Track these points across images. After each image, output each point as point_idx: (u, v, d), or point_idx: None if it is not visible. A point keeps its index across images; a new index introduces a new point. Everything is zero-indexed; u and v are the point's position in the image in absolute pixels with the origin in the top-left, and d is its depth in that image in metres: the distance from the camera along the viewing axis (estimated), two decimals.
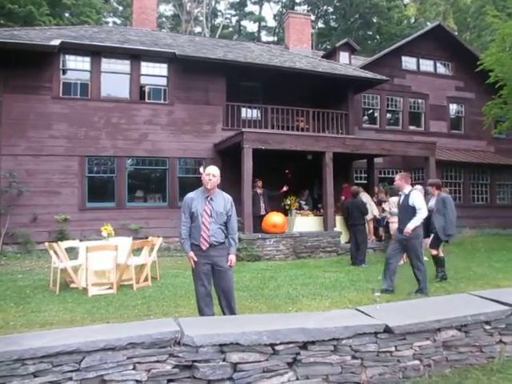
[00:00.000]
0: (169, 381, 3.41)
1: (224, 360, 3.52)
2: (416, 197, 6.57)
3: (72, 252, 9.40)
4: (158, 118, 13.14)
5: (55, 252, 7.05)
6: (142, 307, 5.85)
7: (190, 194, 4.81)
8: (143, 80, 13.19)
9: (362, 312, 4.30)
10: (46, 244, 7.36)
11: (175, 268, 9.23)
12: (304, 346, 3.70)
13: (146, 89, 13.37)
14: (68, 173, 12.07)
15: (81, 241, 8.19)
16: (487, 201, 18.16)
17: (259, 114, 14.46)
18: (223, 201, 4.79)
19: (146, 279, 7.43)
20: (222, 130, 13.66)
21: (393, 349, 3.99)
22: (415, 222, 6.45)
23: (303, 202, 13.50)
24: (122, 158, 12.69)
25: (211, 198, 4.70)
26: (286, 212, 11.90)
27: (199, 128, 13.50)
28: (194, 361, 3.45)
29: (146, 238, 12.31)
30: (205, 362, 3.47)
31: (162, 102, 13.40)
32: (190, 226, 4.65)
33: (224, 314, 4.68)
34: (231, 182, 13.26)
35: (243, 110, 14.52)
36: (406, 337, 4.02)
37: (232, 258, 4.68)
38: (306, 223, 11.58)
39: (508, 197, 18.79)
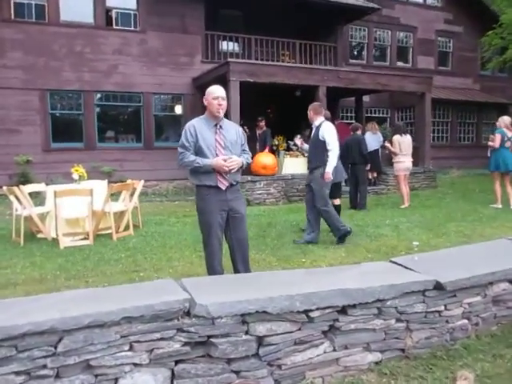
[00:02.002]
0: (177, 362, 2.59)
1: (247, 333, 2.71)
2: (327, 130, 5.65)
3: (38, 197, 8.29)
4: (128, 47, 11.64)
5: (17, 197, 5.96)
6: (126, 261, 4.94)
7: (193, 122, 3.78)
8: (109, 2, 11.53)
9: (400, 264, 3.56)
10: (5, 188, 6.23)
11: (157, 214, 8.28)
12: (343, 310, 2.93)
13: (114, 13, 11.74)
14: (27, 109, 10.63)
15: (47, 185, 7.07)
16: (473, 140, 17.72)
17: (241, 47, 13.09)
18: (233, 128, 3.82)
19: (126, 228, 6.49)
20: (201, 63, 12.31)
21: (442, 308, 3.32)
22: (331, 163, 5.57)
23: (291, 143, 12.54)
24: (90, 92, 11.27)
25: (221, 126, 3.71)
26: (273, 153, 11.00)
27: (176, 60, 12.10)
28: (209, 336, 2.62)
29: (122, 181, 11.30)
30: (223, 337, 2.65)
31: (133, 28, 11.84)
32: None
33: (237, 271, 3.83)
34: None
35: (223, 43, 13.12)
36: (457, 293, 3.32)
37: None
38: (295, 165, 10.70)
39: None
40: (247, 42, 12.87)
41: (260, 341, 2.68)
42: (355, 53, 17.15)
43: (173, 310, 2.50)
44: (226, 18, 13.65)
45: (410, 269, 3.39)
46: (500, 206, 8.31)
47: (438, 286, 3.13)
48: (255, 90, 10.00)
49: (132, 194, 6.66)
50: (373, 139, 10.61)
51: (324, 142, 5.59)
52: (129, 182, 7.05)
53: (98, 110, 11.51)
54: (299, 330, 2.77)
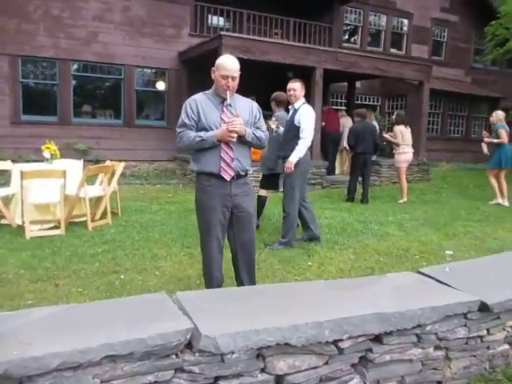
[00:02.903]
0: None
1: (264, 371, 2.13)
2: (304, 114, 4.83)
3: (3, 176, 7.44)
4: (110, 13, 10.64)
5: None
6: (104, 258, 4.23)
7: (194, 97, 3.09)
8: None
9: (431, 277, 3.02)
10: None
11: (137, 199, 7.53)
12: (377, 338, 2.38)
13: None
14: None
15: (14, 162, 6.23)
16: (463, 134, 17.39)
17: (231, 22, 12.21)
18: (246, 105, 3.14)
19: (103, 215, 5.75)
20: (188, 36, 11.42)
21: (484, 332, 2.88)
22: (298, 153, 4.76)
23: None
24: (66, 61, 10.28)
25: (229, 104, 3.03)
26: None
27: (161, 31, 11.17)
28: (217, 377, 2.02)
29: (99, 161, 10.46)
30: (235, 378, 2.07)
31: None
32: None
33: (240, 280, 3.20)
34: None
35: (213, 17, 12.23)
36: (501, 315, 2.83)
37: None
38: None
39: (481, 131, 18.15)
40: (239, 16, 12.00)
41: (279, 380, 2.12)
42: (348, 36, 16.45)
43: (171, 344, 1.88)
44: None
45: (446, 284, 2.87)
46: (500, 201, 8.00)
47: (483, 308, 2.66)
48: (244, 68, 9.18)
49: (111, 177, 5.91)
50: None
51: (299, 128, 4.80)
52: (107, 163, 6.27)
53: (74, 81, 10.52)
54: (326, 363, 2.25)
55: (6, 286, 3.51)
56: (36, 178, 4.88)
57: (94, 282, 3.63)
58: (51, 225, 5.30)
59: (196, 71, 10.99)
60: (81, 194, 5.20)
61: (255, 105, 3.21)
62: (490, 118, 8.50)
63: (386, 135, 8.81)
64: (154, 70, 11.42)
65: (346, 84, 13.48)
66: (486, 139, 8.31)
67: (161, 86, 11.50)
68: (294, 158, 4.74)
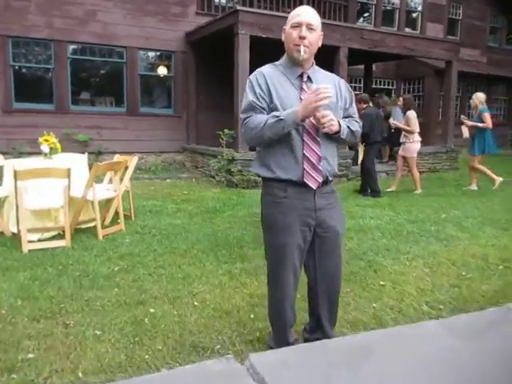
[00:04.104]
0: None
1: None
2: None
3: None
4: None
5: None
6: (123, 280, 3.33)
7: (262, 70, 2.17)
8: None
9: None
10: None
11: (149, 197, 6.62)
12: None
13: None
14: None
15: (6, 155, 5.29)
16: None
17: (240, 0, 11.17)
18: (331, 82, 2.20)
19: (114, 219, 4.85)
20: (195, 15, 10.39)
21: None
22: None
23: None
24: (62, 42, 9.25)
25: (309, 78, 2.13)
26: None
27: (166, 9, 10.14)
28: None
29: (100, 153, 9.50)
30: None
31: None
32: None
33: (320, 324, 2.33)
34: (210, 86, 10.39)
35: None
36: None
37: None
38: None
39: (501, 113, 17.35)
40: None
41: None
42: (362, 14, 15.46)
43: None
44: None
45: None
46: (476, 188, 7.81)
47: None
48: (258, 49, 8.19)
49: (122, 174, 4.99)
50: (400, 114, 9.21)
51: None
52: (117, 157, 5.34)
53: (71, 65, 9.50)
54: None
55: None
56: (33, 179, 3.96)
57: (114, 318, 2.73)
58: (53, 233, 4.39)
59: (205, 53, 10.03)
60: (88, 197, 4.29)
61: (343, 82, 2.30)
62: (471, 101, 8.04)
63: (395, 122, 7.94)
64: (158, 53, 10.40)
65: (360, 67, 12.56)
66: (468, 122, 7.73)
67: (167, 69, 10.50)
68: None
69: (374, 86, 14.58)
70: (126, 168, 4.99)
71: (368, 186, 7.38)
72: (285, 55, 2.19)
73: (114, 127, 9.74)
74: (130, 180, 5.39)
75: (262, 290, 3.21)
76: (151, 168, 9.55)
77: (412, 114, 7.53)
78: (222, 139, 7.98)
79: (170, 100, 10.61)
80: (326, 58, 9.90)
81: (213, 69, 10.17)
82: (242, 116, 2.09)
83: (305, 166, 2.06)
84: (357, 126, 2.21)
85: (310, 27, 2.05)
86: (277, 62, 2.22)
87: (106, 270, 3.55)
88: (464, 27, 17.22)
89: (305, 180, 2.07)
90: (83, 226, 4.64)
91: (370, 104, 7.70)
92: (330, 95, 1.95)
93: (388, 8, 15.65)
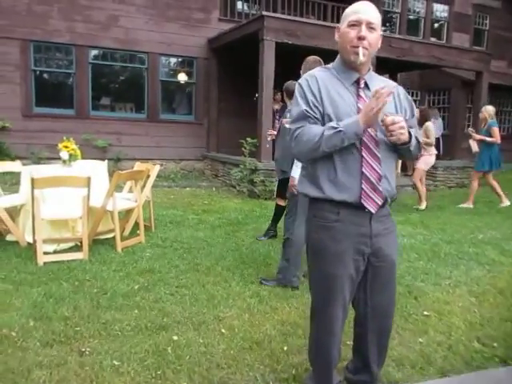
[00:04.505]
0: None
1: None
2: None
3: (13, 176, 6.40)
4: None
5: None
6: (144, 300, 3.07)
7: (314, 73, 1.89)
8: None
9: None
10: None
11: (169, 207, 6.38)
12: None
13: None
14: (4, 63, 8.52)
15: (25, 160, 5.11)
16: (509, 131, 16.03)
17: (263, 7, 10.95)
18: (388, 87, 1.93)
19: (134, 231, 4.62)
20: (218, 21, 10.24)
21: None
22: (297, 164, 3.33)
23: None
24: (83, 47, 9.15)
25: (366, 84, 1.85)
26: None
27: (188, 15, 10.00)
28: None
29: (119, 159, 9.34)
30: None
31: None
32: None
33: (368, 368, 2.03)
34: (231, 93, 10.19)
35: (243, 2, 11.07)
36: None
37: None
38: None
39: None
40: (272, 1, 10.81)
41: None
42: (386, 24, 15.18)
43: None
44: None
45: None
46: (471, 206, 7.31)
47: None
48: (281, 55, 7.93)
49: (143, 183, 4.76)
50: (437, 125, 8.95)
51: None
52: (137, 165, 5.12)
53: (92, 70, 9.39)
54: None
55: (6, 351, 2.37)
56: (51, 187, 3.75)
57: (134, 346, 2.47)
58: (70, 244, 4.17)
59: (228, 60, 9.84)
60: (108, 207, 4.06)
61: (401, 90, 2.01)
62: (480, 115, 7.58)
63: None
64: (180, 59, 10.25)
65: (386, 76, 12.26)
66: (476, 136, 7.33)
67: (188, 76, 10.34)
68: (296, 173, 3.24)
69: None
70: (148, 176, 4.76)
71: None
72: (338, 58, 1.91)
73: (133, 133, 9.59)
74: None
75: (293, 317, 2.94)
76: (170, 175, 9.33)
77: (431, 125, 7.23)
78: (245, 148, 7.74)
79: (190, 107, 10.43)
80: None
81: (235, 76, 9.97)
82: (292, 126, 1.82)
83: (363, 186, 1.78)
84: (420, 139, 1.93)
85: (370, 26, 1.78)
86: (329, 65, 1.95)
87: (126, 287, 3.30)
88: (491, 38, 16.82)
89: (362, 202, 1.79)
90: (101, 237, 4.42)
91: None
92: (391, 95, 1.69)
93: (413, 17, 15.37)
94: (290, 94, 3.83)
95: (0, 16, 8.40)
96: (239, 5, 11.18)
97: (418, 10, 15.39)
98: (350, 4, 1.87)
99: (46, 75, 9.29)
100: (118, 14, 9.40)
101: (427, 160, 7.24)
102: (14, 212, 4.37)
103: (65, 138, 4.51)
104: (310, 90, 1.82)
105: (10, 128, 8.56)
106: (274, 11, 10.64)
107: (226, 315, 2.92)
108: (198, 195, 7.63)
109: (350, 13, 1.82)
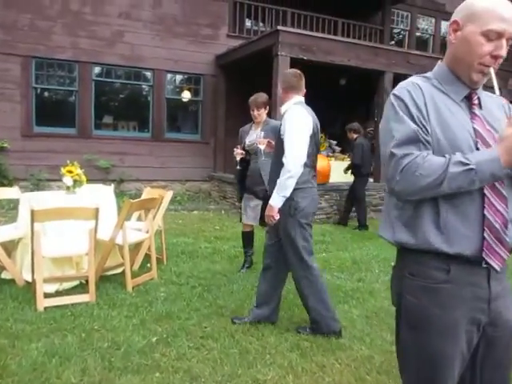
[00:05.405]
0: None
1: None
2: (288, 120, 2.91)
3: (9, 202, 5.94)
4: (138, 10, 9.15)
5: None
6: (165, 359, 2.56)
7: (418, 81, 1.43)
8: None
9: None
10: None
11: (179, 233, 5.89)
12: None
13: None
14: (4, 80, 8.11)
15: (23, 182, 4.64)
16: None
17: (273, 23, 10.65)
18: (496, 106, 1.47)
19: (144, 264, 4.12)
20: (226, 37, 9.90)
21: None
22: (280, 189, 2.82)
23: (334, 142, 10.27)
24: (87, 64, 8.77)
25: (478, 102, 1.40)
26: None
27: (196, 31, 9.66)
28: None
29: (122, 180, 8.89)
30: None
31: None
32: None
33: None
34: (240, 111, 9.74)
35: (252, 18, 10.73)
36: None
37: None
38: (341, 171, 8.37)
39: None
40: (282, 16, 10.52)
41: None
42: (395, 41, 14.96)
43: None
44: None
45: None
46: None
47: None
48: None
49: (156, 211, 4.28)
50: None
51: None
52: (147, 191, 4.64)
53: (96, 87, 9.00)
54: None
55: None
56: (53, 220, 3.27)
57: None
58: (74, 283, 3.68)
59: (236, 77, 9.46)
60: (118, 240, 3.58)
61: (505, 102, 1.56)
62: None
63: None
64: (186, 76, 9.86)
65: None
66: None
67: (195, 93, 9.95)
68: (274, 201, 2.82)
69: None
70: (160, 204, 4.29)
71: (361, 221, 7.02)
72: (441, 65, 1.46)
73: (137, 153, 9.15)
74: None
75: (347, 378, 2.43)
76: (177, 198, 8.85)
77: None
78: None
79: (197, 125, 10.01)
80: (366, 83, 9.35)
81: (243, 93, 9.50)
82: (396, 152, 1.34)
83: (485, 235, 1.31)
84: None
85: (510, 38, 1.32)
86: (428, 74, 1.49)
87: (141, 340, 2.79)
88: (509, 55, 16.67)
89: (484, 256, 1.32)
90: (108, 273, 3.92)
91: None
92: None
93: (422, 34, 15.17)
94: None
95: (2, 31, 8.02)
96: (248, 20, 10.87)
97: (425, 27, 15.21)
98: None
99: (47, 93, 8.88)
100: (123, 29, 9.05)
101: None
102: (10, 245, 3.89)
103: (68, 161, 4.04)
104: (414, 102, 1.35)
105: (8, 148, 8.11)
106: (284, 25, 10.37)
107: (265, 377, 2.42)
108: (208, 219, 7.15)
109: (491, 16, 1.30)
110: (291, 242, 2.94)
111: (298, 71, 3.21)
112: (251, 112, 4.25)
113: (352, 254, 5.21)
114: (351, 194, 7.14)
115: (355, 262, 4.84)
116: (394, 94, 1.41)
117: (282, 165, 2.86)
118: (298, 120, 2.90)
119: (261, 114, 4.16)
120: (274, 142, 3.45)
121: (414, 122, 1.33)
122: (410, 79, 1.45)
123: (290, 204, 2.87)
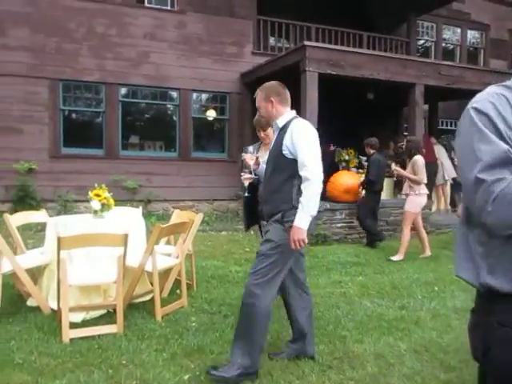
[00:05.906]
0: None
1: None
2: (298, 132, 2.61)
3: (37, 224, 5.89)
4: (163, 30, 9.19)
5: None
6: None
7: (501, 91, 1.20)
8: None
9: None
10: None
11: (208, 256, 5.71)
12: None
13: None
14: (33, 103, 8.21)
15: (50, 203, 4.55)
16: None
17: (297, 39, 10.55)
18: None
19: (174, 290, 3.94)
20: (251, 55, 9.85)
21: None
22: (307, 207, 2.48)
23: (364, 158, 9.98)
24: (113, 85, 8.81)
25: None
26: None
27: (221, 50, 9.63)
28: None
29: (149, 201, 8.81)
30: None
31: (169, 8, 9.42)
32: None
33: None
34: None
35: (276, 35, 10.66)
36: None
37: None
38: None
39: None
40: (306, 32, 10.41)
41: None
42: (421, 52, 14.69)
43: None
44: (276, 3, 11.18)
45: None
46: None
47: None
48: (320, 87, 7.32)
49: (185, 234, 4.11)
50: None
51: (291, 160, 2.61)
52: (177, 213, 4.49)
53: (122, 107, 9.02)
54: None
55: None
56: (80, 246, 3.13)
57: None
58: (101, 312, 3.51)
59: None
60: (147, 267, 3.41)
61: None
62: None
63: (398, 168, 6.58)
64: (212, 95, 9.81)
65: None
66: None
67: (220, 112, 9.87)
68: (302, 222, 2.48)
69: (439, 126, 13.55)
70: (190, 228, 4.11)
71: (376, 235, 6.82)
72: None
73: (164, 173, 9.08)
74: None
75: None
76: (204, 218, 8.68)
77: (420, 159, 6.02)
78: None
79: (223, 144, 9.91)
80: (394, 97, 9.10)
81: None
82: (484, 177, 1.11)
83: None
84: None
85: None
86: (508, 83, 1.27)
87: (172, 377, 2.58)
88: None
89: None
90: (137, 301, 3.75)
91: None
92: None
93: (449, 44, 14.88)
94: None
95: (30, 55, 8.15)
96: (272, 37, 10.80)
97: (451, 38, 14.92)
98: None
99: (74, 114, 8.94)
100: (148, 50, 9.08)
101: (418, 201, 6.02)
102: (37, 271, 3.78)
103: (96, 184, 3.93)
104: (502, 116, 1.13)
105: (36, 170, 8.15)
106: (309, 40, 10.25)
107: None
108: (237, 240, 6.95)
109: None
110: (275, 251, 2.62)
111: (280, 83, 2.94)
112: (258, 134, 3.73)
113: (391, 278, 4.91)
114: (362, 211, 6.82)
115: (395, 287, 4.54)
116: (476, 108, 1.18)
117: (279, 183, 2.64)
118: (311, 132, 2.67)
119: (268, 135, 3.62)
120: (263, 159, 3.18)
121: (504, 141, 1.10)
122: (489, 89, 1.23)
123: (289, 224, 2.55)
